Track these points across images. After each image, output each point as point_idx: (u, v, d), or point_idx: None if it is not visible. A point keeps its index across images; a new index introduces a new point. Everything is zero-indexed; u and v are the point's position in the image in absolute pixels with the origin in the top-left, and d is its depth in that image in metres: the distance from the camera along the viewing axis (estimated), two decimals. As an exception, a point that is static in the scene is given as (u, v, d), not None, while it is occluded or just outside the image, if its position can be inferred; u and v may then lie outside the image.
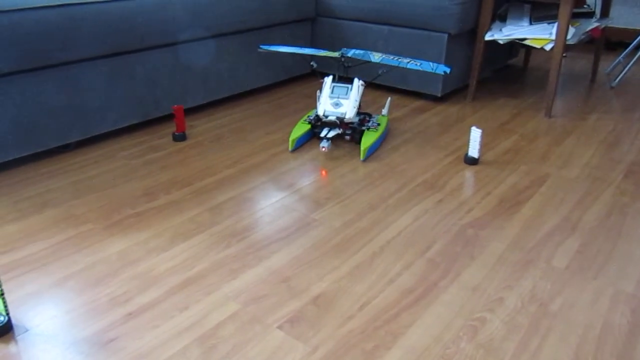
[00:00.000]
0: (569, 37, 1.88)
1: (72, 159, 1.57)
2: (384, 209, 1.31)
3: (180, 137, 1.70)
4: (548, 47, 1.88)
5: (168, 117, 1.89)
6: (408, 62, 1.59)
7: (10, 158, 1.47)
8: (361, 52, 1.66)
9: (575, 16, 2.11)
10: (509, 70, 2.64)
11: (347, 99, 1.58)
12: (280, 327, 0.92)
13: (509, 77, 2.50)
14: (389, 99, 1.81)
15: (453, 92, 2.25)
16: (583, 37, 2.02)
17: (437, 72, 1.57)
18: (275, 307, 0.97)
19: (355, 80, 1.60)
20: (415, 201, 1.35)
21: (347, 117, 1.56)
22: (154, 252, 1.13)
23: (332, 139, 1.67)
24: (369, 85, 2.30)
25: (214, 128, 1.82)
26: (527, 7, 2.09)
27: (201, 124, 1.85)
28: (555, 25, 1.87)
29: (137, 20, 1.61)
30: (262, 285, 1.03)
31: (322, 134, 1.58)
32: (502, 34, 1.97)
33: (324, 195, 1.38)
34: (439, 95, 2.07)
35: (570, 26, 1.88)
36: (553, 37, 1.86)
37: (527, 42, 1.93)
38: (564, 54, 1.88)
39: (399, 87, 2.16)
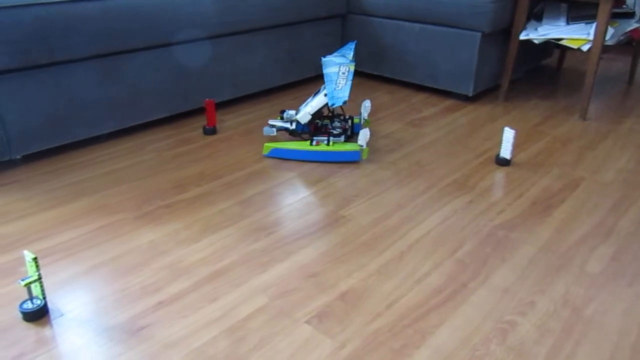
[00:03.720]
0: (607, 37, 1.83)
1: (104, 150, 1.60)
2: (412, 208, 1.30)
3: (210, 131, 1.72)
4: (585, 48, 1.83)
5: (197, 111, 1.91)
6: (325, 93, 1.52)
7: (45, 147, 1.50)
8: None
9: (615, 16, 2.05)
10: (542, 71, 2.59)
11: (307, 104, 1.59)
12: (308, 322, 0.92)
13: (542, 78, 2.45)
14: (367, 130, 1.53)
15: (484, 92, 2.22)
16: (622, 38, 1.97)
17: (332, 101, 1.47)
18: (303, 301, 0.97)
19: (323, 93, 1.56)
20: (444, 201, 1.34)
21: (297, 116, 1.58)
22: (184, 243, 1.14)
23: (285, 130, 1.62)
24: (395, 82, 2.28)
25: (243, 123, 1.83)
26: (564, 6, 2.05)
27: (230, 119, 1.86)
28: (594, 25, 1.82)
29: (170, 15, 1.63)
30: (290, 279, 1.03)
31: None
32: (537, 33, 1.93)
33: (352, 192, 1.37)
34: (470, 94, 2.04)
35: (609, 27, 1.83)
36: (591, 37, 1.82)
37: (563, 43, 1.89)
38: (601, 56, 1.83)
39: (429, 85, 2.14)
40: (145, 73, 1.65)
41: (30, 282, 0.90)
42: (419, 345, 0.87)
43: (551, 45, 2.53)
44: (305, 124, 1.57)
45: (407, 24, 2.10)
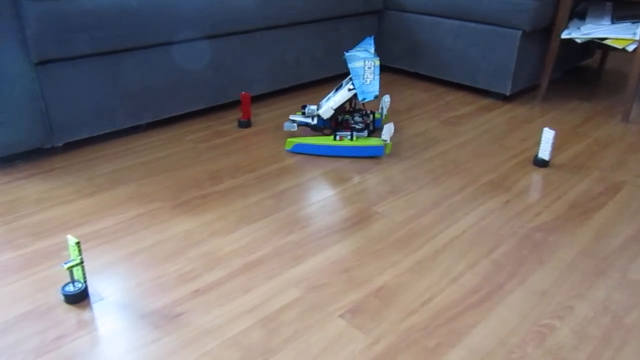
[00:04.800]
0: (654, 38, 1.77)
1: (142, 140, 1.63)
2: (447, 207, 1.29)
3: (245, 123, 1.73)
4: (630, 48, 1.78)
5: (233, 104, 1.93)
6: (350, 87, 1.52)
7: (87, 136, 1.54)
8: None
9: (662, 16, 1.98)
10: (583, 71, 2.52)
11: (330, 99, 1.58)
12: (341, 316, 0.92)
13: (583, 79, 2.38)
14: (391, 125, 1.55)
15: (522, 91, 2.17)
16: (669, 38, 1.90)
17: (362, 95, 1.46)
18: (336, 296, 0.97)
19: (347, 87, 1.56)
20: (480, 200, 1.32)
21: (319, 111, 1.57)
22: (219, 233, 1.16)
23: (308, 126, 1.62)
24: (430, 79, 2.25)
25: (278, 117, 1.84)
26: (608, 5, 1.99)
27: (265, 112, 1.87)
28: (640, 25, 1.76)
29: (210, 9, 1.65)
30: (323, 273, 1.03)
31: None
32: (580, 32, 1.88)
33: (386, 189, 1.37)
34: (508, 94, 2.00)
35: (656, 26, 1.77)
36: (637, 37, 1.76)
37: (607, 42, 1.83)
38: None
39: (465, 83, 2.11)
40: (185, 65, 1.68)
41: (72, 266, 0.93)
42: (453, 345, 0.86)
43: (593, 45, 2.46)
44: (327, 119, 1.57)
45: (445, 20, 2.07)
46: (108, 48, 1.47)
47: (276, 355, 0.84)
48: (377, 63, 1.52)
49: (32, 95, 1.38)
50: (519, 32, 1.89)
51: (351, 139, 1.54)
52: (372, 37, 1.71)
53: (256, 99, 2.01)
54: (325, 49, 2.11)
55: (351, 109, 1.63)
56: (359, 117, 1.61)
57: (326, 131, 1.61)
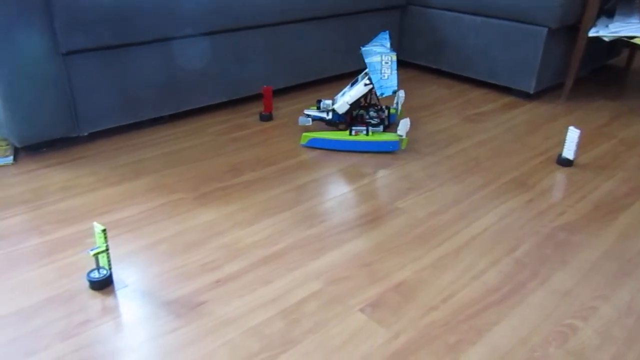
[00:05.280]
0: (684, 37, 1.73)
1: (165, 131, 1.64)
2: (469, 204, 1.28)
3: (266, 117, 1.74)
4: (659, 47, 1.74)
5: (254, 97, 1.94)
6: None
7: (111, 126, 1.56)
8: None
9: (693, 15, 1.93)
10: (609, 70, 2.47)
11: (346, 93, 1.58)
12: (361, 310, 0.92)
13: (609, 78, 2.34)
14: (407, 120, 1.54)
15: (546, 90, 2.14)
16: (700, 38, 1.85)
17: (381, 90, 1.46)
18: (356, 290, 0.97)
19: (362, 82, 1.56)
20: (502, 199, 1.31)
21: (335, 106, 1.57)
22: (240, 225, 1.17)
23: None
24: (452, 76, 2.23)
25: (299, 111, 1.84)
26: (638, 2, 1.95)
27: (286, 106, 1.88)
28: (670, 23, 1.72)
29: (234, 3, 1.66)
30: (344, 267, 1.04)
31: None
32: (608, 30, 1.84)
33: (406, 185, 1.36)
34: (531, 92, 1.97)
35: (687, 25, 1.73)
36: (667, 36, 1.72)
37: (636, 41, 1.79)
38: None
39: (488, 81, 2.09)
40: (208, 58, 1.69)
41: (98, 253, 0.94)
42: (474, 342, 0.86)
43: (620, 44, 2.42)
44: (342, 114, 1.57)
45: (468, 16, 2.05)
46: (133, 40, 1.48)
47: (296, 346, 0.84)
48: (394, 58, 1.51)
49: (59, 86, 1.40)
50: (545, 30, 1.86)
51: (366, 134, 1.54)
52: (387, 31, 1.70)
53: (276, 92, 2.01)
54: (348, 43, 2.10)
55: (366, 104, 1.63)
56: (374, 112, 1.61)
57: (341, 126, 1.61)
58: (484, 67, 2.07)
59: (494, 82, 2.07)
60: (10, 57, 1.29)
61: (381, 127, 1.58)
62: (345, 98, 1.54)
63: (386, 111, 1.63)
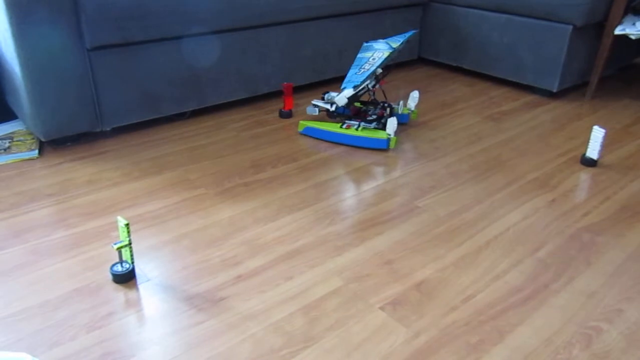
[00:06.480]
0: None
1: (187, 127, 1.66)
2: (491, 203, 1.27)
3: (287, 114, 1.74)
4: (689, 45, 1.70)
5: (274, 94, 1.94)
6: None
7: (134, 121, 1.58)
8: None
9: None
10: (636, 69, 2.42)
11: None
12: (382, 308, 0.92)
13: (635, 77, 2.29)
14: (394, 119, 1.51)
15: (569, 88, 2.11)
16: None
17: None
18: (377, 287, 0.97)
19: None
20: (525, 198, 1.29)
21: (335, 98, 1.59)
22: (262, 221, 1.17)
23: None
24: (474, 74, 2.21)
25: (319, 108, 1.84)
26: (667, 0, 1.90)
27: (306, 103, 1.88)
28: (701, 21, 1.68)
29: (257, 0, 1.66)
30: (365, 265, 1.03)
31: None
32: (635, 28, 1.81)
33: (428, 184, 1.35)
34: (555, 90, 1.95)
35: None
36: (697, 34, 1.68)
37: (664, 39, 1.75)
38: None
39: (511, 79, 2.06)
40: (230, 55, 1.70)
41: (121, 247, 0.96)
42: (496, 343, 0.85)
43: (647, 42, 2.36)
44: (343, 106, 1.59)
45: (492, 14, 2.03)
46: (157, 36, 1.50)
47: (318, 342, 0.84)
48: (387, 55, 1.55)
49: (84, 81, 1.43)
50: (570, 27, 1.83)
51: (357, 129, 1.55)
52: (413, 31, 1.71)
53: (297, 89, 2.01)
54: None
55: (373, 100, 1.64)
56: (377, 109, 1.62)
57: (338, 118, 1.64)
58: (508, 65, 2.04)
59: (516, 80, 2.04)
60: (38, 53, 1.32)
61: (374, 124, 1.59)
62: (345, 92, 1.56)
63: (388, 109, 1.63)
